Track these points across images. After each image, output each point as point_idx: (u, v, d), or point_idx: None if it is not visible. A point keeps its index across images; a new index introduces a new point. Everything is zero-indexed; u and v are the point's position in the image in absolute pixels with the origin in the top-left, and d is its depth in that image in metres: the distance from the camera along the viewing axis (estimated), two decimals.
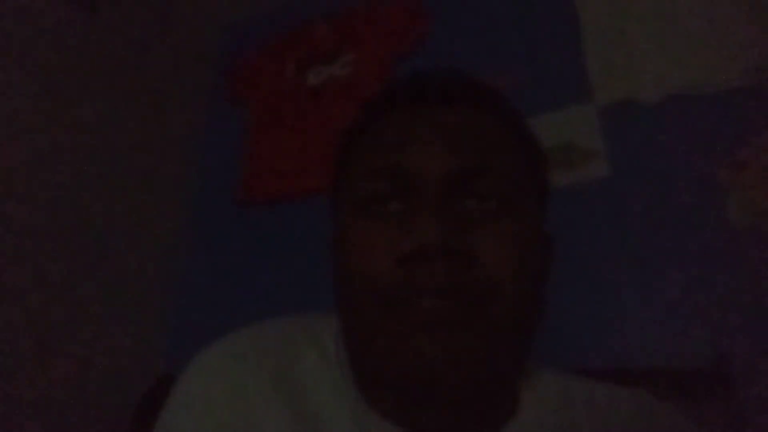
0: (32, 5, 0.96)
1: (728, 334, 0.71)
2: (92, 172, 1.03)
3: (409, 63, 1.12)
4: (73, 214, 0.98)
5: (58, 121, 0.97)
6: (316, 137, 1.13)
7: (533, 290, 0.41)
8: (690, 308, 0.75)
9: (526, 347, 0.43)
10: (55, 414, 0.87)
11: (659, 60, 0.90)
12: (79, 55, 1.04)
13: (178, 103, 1.27)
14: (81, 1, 1.05)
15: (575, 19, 0.99)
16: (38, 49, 0.96)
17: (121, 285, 1.04)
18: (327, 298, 0.46)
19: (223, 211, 1.19)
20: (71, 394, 0.91)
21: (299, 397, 0.43)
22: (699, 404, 0.61)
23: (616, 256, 0.83)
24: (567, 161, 0.90)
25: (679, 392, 0.60)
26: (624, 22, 0.95)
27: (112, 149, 1.07)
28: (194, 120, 1.30)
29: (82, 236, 0.99)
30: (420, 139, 0.42)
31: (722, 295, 0.74)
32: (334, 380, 0.44)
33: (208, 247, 1.18)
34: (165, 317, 1.12)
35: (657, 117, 0.88)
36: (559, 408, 0.45)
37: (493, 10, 1.08)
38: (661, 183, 0.84)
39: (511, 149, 0.45)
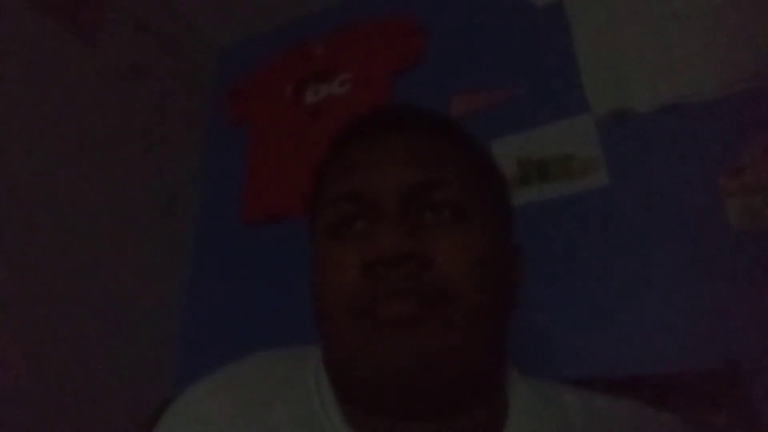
0: (31, 36, 0.97)
1: (734, 337, 0.71)
2: (95, 197, 1.03)
3: (406, 80, 1.13)
4: (78, 240, 0.99)
5: (58, 149, 0.98)
6: (315, 154, 1.13)
7: (492, 295, 0.43)
8: (694, 313, 0.76)
9: (490, 348, 0.44)
10: None
11: (651, 70, 0.91)
12: (78, 81, 1.04)
13: (179, 126, 1.28)
14: (79, 30, 1.07)
15: (569, 32, 1.00)
16: (38, 80, 0.97)
17: (130, 307, 1.05)
18: None
19: (228, 231, 1.19)
20: (82, 415, 0.91)
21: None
22: (708, 408, 0.61)
23: (619, 264, 0.83)
24: (567, 172, 0.91)
25: (689, 397, 0.61)
26: (615, 33, 0.96)
27: (116, 174, 1.08)
28: (196, 142, 1.32)
29: (88, 260, 0.99)
30: (376, 162, 0.46)
31: (726, 299, 0.74)
32: (310, 414, 0.45)
33: (215, 267, 1.18)
34: (174, 338, 1.12)
35: (653, 126, 0.89)
36: (551, 418, 0.45)
37: (487, 27, 1.10)
38: (661, 190, 0.85)
39: (462, 165, 0.47)
